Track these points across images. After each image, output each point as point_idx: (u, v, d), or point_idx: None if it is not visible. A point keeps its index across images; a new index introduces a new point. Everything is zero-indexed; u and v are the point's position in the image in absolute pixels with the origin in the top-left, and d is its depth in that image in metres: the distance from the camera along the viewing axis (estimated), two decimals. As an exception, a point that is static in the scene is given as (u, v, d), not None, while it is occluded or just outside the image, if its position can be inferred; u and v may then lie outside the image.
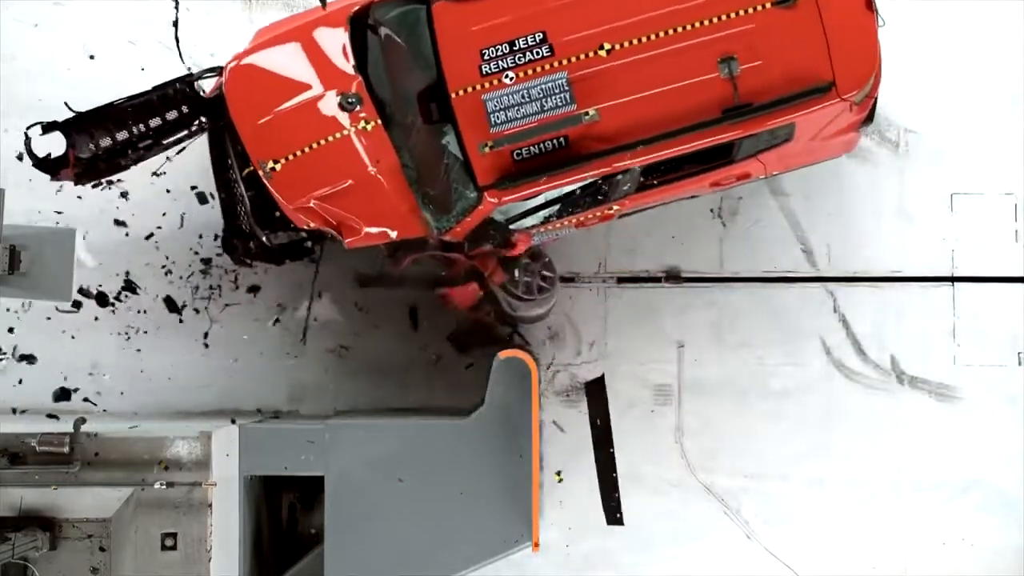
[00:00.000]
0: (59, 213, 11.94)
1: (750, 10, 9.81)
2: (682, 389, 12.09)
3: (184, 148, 11.16)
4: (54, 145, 10.48)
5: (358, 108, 10.20)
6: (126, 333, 12.06)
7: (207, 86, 10.72)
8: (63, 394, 11.99)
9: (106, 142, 10.47)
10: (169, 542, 10.80)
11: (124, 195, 12.02)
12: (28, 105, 11.66)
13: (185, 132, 10.72)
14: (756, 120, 9.85)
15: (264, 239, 10.74)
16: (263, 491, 11.46)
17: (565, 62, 9.86)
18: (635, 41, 9.82)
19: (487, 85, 9.91)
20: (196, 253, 12.11)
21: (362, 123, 10.22)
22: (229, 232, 10.99)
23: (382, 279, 11.96)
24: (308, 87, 10.29)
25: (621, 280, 12.16)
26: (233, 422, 11.03)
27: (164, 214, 12.08)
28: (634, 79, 9.84)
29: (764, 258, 12.14)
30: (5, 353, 12.01)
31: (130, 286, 12.07)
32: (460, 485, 10.69)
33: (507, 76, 9.89)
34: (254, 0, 12.22)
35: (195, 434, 10.84)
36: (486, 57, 9.90)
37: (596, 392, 12.08)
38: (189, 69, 11.70)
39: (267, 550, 11.49)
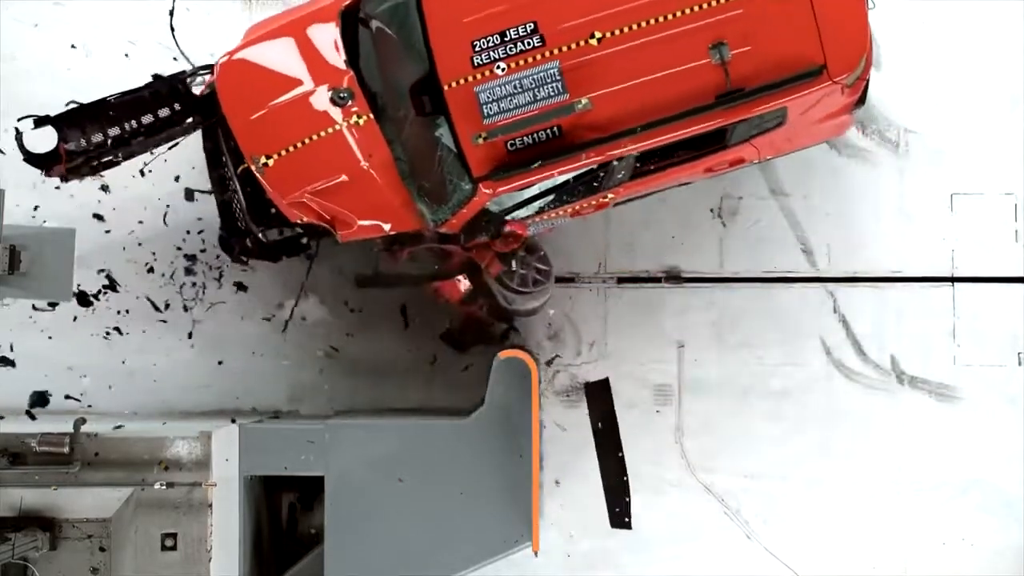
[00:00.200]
0: (36, 208, 11.92)
1: None
2: (682, 389, 12.09)
3: (176, 144, 11.16)
4: (46, 140, 10.46)
5: (350, 103, 10.22)
6: (106, 333, 12.04)
7: (201, 83, 10.72)
8: (39, 399, 11.97)
9: (98, 138, 10.45)
10: (169, 542, 10.80)
11: (104, 188, 11.97)
12: (28, 105, 11.62)
13: (178, 128, 10.71)
14: (749, 105, 9.87)
15: (260, 236, 10.75)
16: (263, 491, 11.46)
17: (556, 52, 9.86)
18: (626, 29, 9.84)
19: (479, 76, 9.92)
20: (179, 249, 12.09)
21: (354, 118, 10.24)
22: (227, 231, 11.00)
23: (378, 279, 11.96)
24: (300, 82, 10.30)
25: (621, 280, 12.16)
26: (233, 421, 11.03)
27: (146, 208, 12.04)
28: (626, 67, 9.86)
29: (764, 258, 12.14)
30: None
31: (112, 285, 12.05)
32: (460, 485, 10.69)
33: (499, 67, 9.90)
34: (254, 0, 12.22)
35: (195, 434, 10.84)
36: (478, 48, 9.91)
37: (599, 394, 12.07)
38: (186, 58, 11.72)
39: (267, 550, 11.49)
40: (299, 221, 10.51)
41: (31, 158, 10.42)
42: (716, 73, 9.80)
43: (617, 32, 9.85)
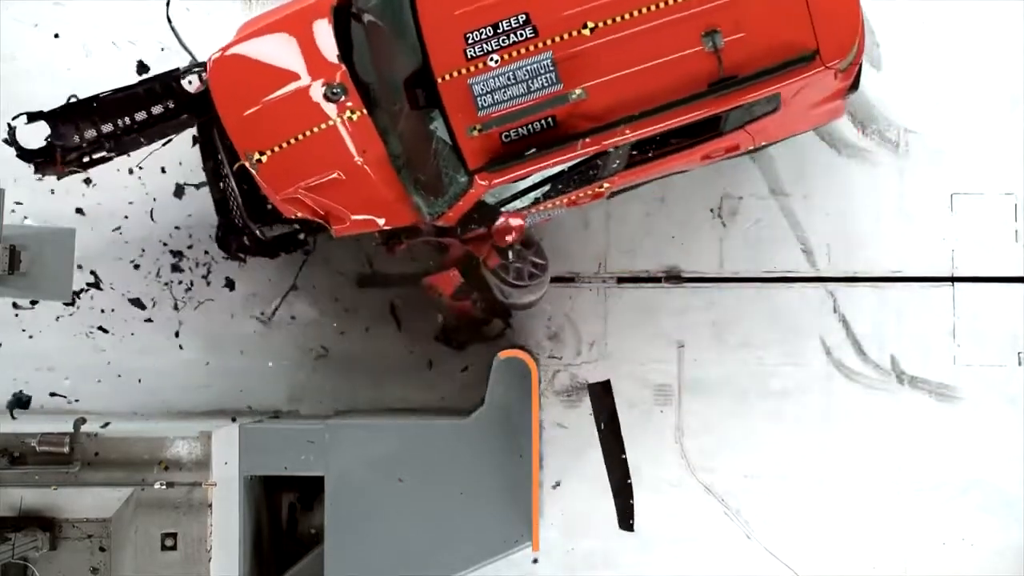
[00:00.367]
0: (19, 204, 11.90)
1: None
2: (682, 389, 12.08)
3: (170, 141, 11.13)
4: (38, 137, 10.43)
5: (343, 98, 10.23)
6: (91, 332, 12.02)
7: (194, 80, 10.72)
8: (18, 402, 11.95)
9: (91, 134, 10.48)
10: (169, 542, 10.79)
11: (87, 181, 11.93)
12: (28, 105, 11.61)
13: (171, 125, 10.71)
14: (742, 92, 9.90)
15: (258, 232, 10.76)
16: (263, 491, 11.46)
17: (549, 42, 9.89)
18: (618, 18, 9.87)
19: (473, 69, 9.94)
20: (165, 244, 12.06)
21: (348, 113, 10.26)
22: (224, 229, 11.01)
23: (376, 278, 11.96)
24: (293, 78, 10.32)
25: (621, 280, 12.16)
26: (233, 420, 11.02)
27: (131, 203, 12.01)
28: (619, 56, 9.89)
29: (764, 258, 12.13)
30: None
31: (96, 283, 12.03)
32: (460, 485, 10.70)
33: (492, 59, 9.93)
34: (254, 0, 12.22)
35: (195, 434, 10.84)
36: (470, 41, 9.94)
37: (601, 395, 12.07)
38: (186, 48, 11.70)
39: (267, 550, 11.50)
40: (294, 217, 10.52)
41: (24, 154, 10.43)
42: (709, 61, 9.82)
43: (609, 22, 9.88)
